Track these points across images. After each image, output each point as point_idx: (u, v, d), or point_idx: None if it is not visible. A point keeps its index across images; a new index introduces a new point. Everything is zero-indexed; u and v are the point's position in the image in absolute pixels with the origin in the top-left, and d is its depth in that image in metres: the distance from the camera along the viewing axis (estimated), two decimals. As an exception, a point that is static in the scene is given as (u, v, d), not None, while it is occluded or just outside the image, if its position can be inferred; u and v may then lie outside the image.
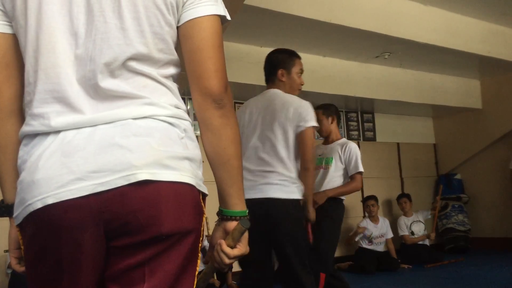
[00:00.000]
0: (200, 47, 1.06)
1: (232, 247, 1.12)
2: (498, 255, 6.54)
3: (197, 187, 1.04)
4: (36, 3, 1.01)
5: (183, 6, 1.07)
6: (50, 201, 0.95)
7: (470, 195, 7.43)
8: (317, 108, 3.71)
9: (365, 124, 7.19)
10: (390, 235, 6.12)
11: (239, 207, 1.12)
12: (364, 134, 7.15)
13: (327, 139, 3.95)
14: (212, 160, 1.11)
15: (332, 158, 3.73)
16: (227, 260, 1.12)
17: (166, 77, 1.07)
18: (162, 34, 1.04)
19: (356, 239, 6.09)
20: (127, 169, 0.95)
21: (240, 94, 5.30)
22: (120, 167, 0.95)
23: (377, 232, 6.04)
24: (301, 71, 2.84)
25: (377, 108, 7.01)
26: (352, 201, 6.75)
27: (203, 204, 1.07)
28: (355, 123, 7.06)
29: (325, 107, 3.91)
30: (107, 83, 1.00)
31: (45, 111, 1.00)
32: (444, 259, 6.12)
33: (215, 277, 4.84)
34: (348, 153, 3.72)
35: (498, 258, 6.29)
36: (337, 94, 5.75)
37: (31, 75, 1.02)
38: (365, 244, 6.05)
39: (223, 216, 1.14)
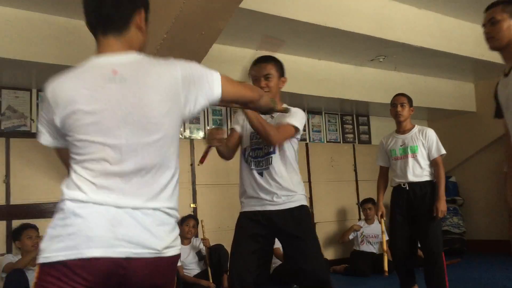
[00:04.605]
0: None
1: None
2: (493, 257, 6.57)
3: None
4: None
5: None
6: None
7: (465, 198, 7.47)
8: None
9: (360, 127, 7.22)
10: (386, 237, 6.13)
11: None
12: (359, 137, 7.17)
13: (402, 128, 3.95)
14: None
15: (417, 146, 3.80)
16: None
17: None
18: None
19: (350, 237, 6.10)
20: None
21: (236, 97, 5.31)
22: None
23: (371, 231, 6.05)
24: None
25: (372, 111, 7.04)
26: (348, 204, 6.77)
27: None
28: (350, 126, 7.09)
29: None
30: None
31: None
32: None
33: (211, 280, 4.84)
34: (428, 138, 3.80)
35: (493, 261, 6.31)
36: (332, 97, 5.78)
37: None
38: (358, 247, 6.07)
39: None
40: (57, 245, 1.28)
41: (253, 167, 2.65)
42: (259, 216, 2.61)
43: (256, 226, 2.61)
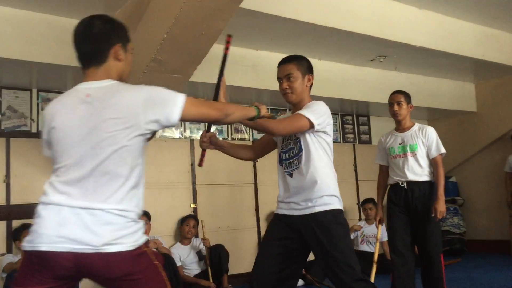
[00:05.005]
0: None
1: None
2: (493, 257, 6.57)
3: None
4: None
5: None
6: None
7: (465, 198, 7.47)
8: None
9: (361, 127, 7.22)
10: (385, 238, 6.13)
11: None
12: (359, 137, 7.17)
13: (402, 126, 3.88)
14: None
15: (416, 145, 3.73)
16: None
17: None
18: None
19: (351, 237, 6.10)
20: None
21: (236, 96, 5.31)
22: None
23: (371, 231, 6.04)
24: None
25: (372, 111, 7.03)
26: (348, 204, 6.77)
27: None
28: (350, 126, 7.08)
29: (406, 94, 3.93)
30: None
31: None
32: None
33: (211, 280, 4.84)
34: (428, 136, 3.74)
35: (493, 261, 6.31)
36: (332, 97, 5.77)
37: None
38: (358, 247, 6.07)
39: None
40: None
41: (285, 169, 2.57)
42: (288, 219, 2.53)
43: (284, 229, 2.53)
